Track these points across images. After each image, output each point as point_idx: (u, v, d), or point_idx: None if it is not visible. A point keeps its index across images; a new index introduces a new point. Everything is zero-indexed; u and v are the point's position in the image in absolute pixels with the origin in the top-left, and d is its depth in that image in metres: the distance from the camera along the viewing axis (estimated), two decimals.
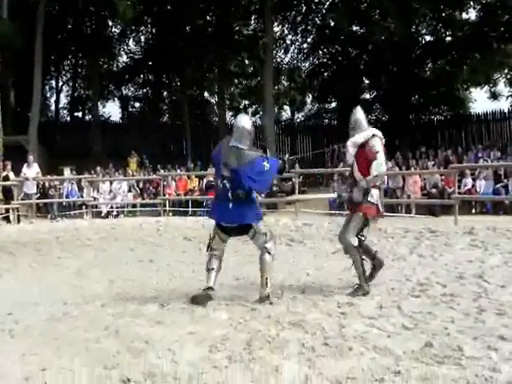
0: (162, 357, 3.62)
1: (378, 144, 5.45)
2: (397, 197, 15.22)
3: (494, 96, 27.79)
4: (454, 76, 24.45)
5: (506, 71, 26.13)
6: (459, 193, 13.37)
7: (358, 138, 5.53)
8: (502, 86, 27.04)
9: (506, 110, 23.70)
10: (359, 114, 5.67)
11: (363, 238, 5.51)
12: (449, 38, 24.44)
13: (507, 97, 25.83)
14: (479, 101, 28.63)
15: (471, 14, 23.99)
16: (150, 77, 30.07)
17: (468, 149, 18.83)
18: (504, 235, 8.83)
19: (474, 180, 14.91)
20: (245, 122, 5.31)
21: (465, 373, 3.22)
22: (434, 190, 15.00)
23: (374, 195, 5.39)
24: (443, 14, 23.43)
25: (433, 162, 16.94)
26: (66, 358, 3.63)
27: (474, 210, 14.32)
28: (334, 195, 15.30)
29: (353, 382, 3.12)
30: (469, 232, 9.22)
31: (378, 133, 5.60)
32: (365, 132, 5.52)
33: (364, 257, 5.47)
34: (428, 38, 25.27)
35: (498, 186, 14.57)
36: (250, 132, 5.26)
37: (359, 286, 5.30)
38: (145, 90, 31.26)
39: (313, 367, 3.36)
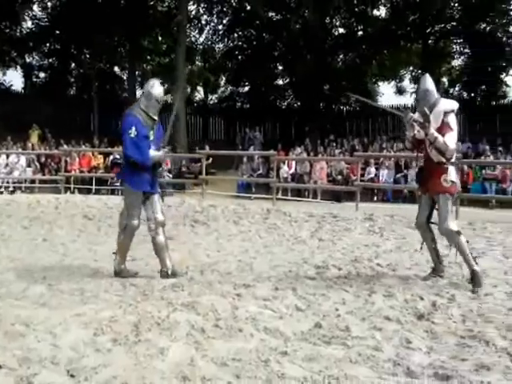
0: (42, 340, 3.43)
1: (454, 121, 4.99)
2: (304, 182, 15.53)
3: (400, 91, 29.18)
4: (363, 69, 25.31)
5: (411, 68, 27.55)
6: (362, 180, 13.85)
7: (438, 112, 4.96)
8: (407, 83, 28.46)
9: (409, 105, 24.92)
10: (427, 83, 5.05)
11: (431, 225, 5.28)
12: (360, 33, 25.20)
13: (411, 93, 27.27)
14: (386, 95, 29.94)
15: (382, 12, 24.96)
16: (57, 46, 28.43)
17: (374, 139, 19.58)
18: (400, 222, 9.25)
19: (377, 169, 15.52)
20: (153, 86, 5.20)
21: (349, 352, 3.30)
22: (339, 177, 15.45)
23: (452, 172, 5.01)
24: (356, 9, 24.11)
25: (340, 150, 17.43)
26: None
27: (375, 198, 14.92)
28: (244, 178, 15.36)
29: (238, 363, 3.08)
30: (368, 218, 9.58)
31: (455, 106, 5.09)
32: (443, 104, 5.01)
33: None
34: (341, 30, 25.93)
35: (399, 175, 15.29)
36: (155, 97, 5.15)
37: (473, 272, 4.88)
38: (51, 60, 29.53)
39: (200, 349, 3.29)
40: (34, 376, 2.91)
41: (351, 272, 5.53)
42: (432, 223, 5.26)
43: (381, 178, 15.29)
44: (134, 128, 4.95)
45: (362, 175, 14.51)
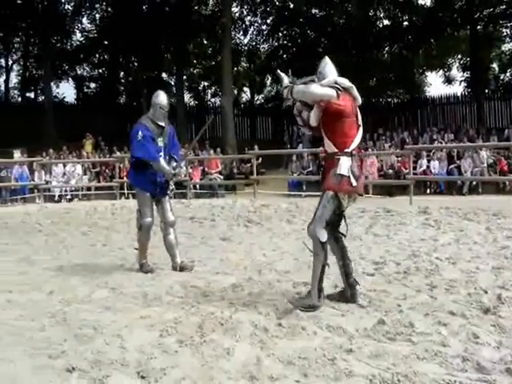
0: (110, 343, 3.50)
1: (333, 86, 4.18)
2: None
3: (449, 80, 28.39)
4: (410, 60, 24.80)
5: (459, 56, 26.77)
6: (414, 173, 13.60)
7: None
8: (455, 71, 27.67)
9: (459, 94, 24.27)
10: (321, 64, 4.40)
11: (340, 236, 4.35)
12: (406, 23, 24.71)
13: (460, 81, 26.49)
14: (434, 85, 29.23)
15: (427, 0, 24.38)
16: (106, 57, 29.29)
17: (423, 131, 19.17)
18: (456, 214, 9.03)
19: (428, 161, 15.20)
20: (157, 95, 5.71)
21: (415, 348, 3.25)
22: (390, 171, 15.21)
23: (343, 165, 4.13)
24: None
25: (389, 144, 17.16)
26: (8, 349, 3.46)
27: (428, 191, 14.63)
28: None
29: (304, 361, 3.08)
30: (423, 211, 9.40)
31: (342, 81, 4.27)
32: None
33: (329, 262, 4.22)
34: (386, 22, 25.51)
35: (451, 166, 14.95)
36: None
37: (308, 294, 4.18)
38: (100, 71, 30.45)
39: (265, 348, 3.31)
40: (107, 378, 2.98)
41: (410, 267, 5.43)
42: (340, 234, 4.39)
43: (433, 170, 14.97)
44: (140, 132, 5.47)
45: (414, 168, 14.24)
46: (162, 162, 5.58)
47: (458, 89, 26.08)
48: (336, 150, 4.16)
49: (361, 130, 4.32)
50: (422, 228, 7.96)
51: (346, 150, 4.15)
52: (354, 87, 4.32)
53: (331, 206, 4.12)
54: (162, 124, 5.65)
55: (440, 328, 3.58)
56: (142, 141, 5.45)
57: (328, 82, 4.21)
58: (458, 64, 27.43)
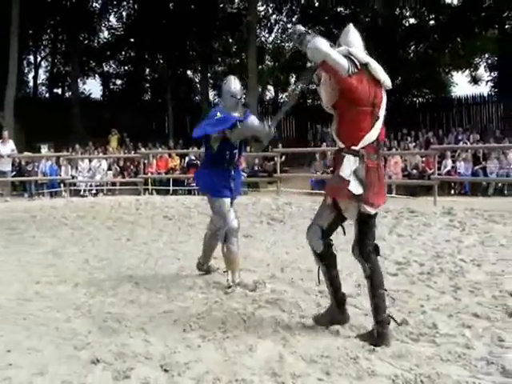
0: (134, 336, 3.57)
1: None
2: None
3: (475, 80, 27.94)
4: (436, 59, 24.50)
5: (486, 56, 26.34)
6: (439, 174, 13.46)
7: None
8: (482, 71, 27.24)
9: (485, 94, 23.90)
10: (343, 34, 3.61)
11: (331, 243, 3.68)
12: (432, 22, 24.41)
13: (487, 81, 26.08)
14: (460, 84, 28.78)
15: None
16: (132, 54, 29.57)
17: (448, 131, 18.95)
18: (481, 216, 8.90)
19: (453, 162, 15.02)
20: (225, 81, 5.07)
21: (438, 350, 3.24)
22: (414, 171, 15.06)
23: (346, 166, 3.33)
24: None
25: (414, 144, 16.99)
26: (35, 339, 3.55)
27: (452, 191, 14.47)
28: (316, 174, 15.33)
29: (327, 360, 3.09)
30: (447, 212, 9.29)
31: (356, 55, 3.38)
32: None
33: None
34: (412, 20, 25.23)
35: (477, 167, 14.75)
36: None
37: (329, 307, 3.69)
38: (126, 68, 30.77)
39: (287, 346, 3.33)
40: (131, 370, 3.03)
41: (434, 268, 5.39)
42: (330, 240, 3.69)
43: (458, 171, 14.79)
44: (212, 114, 4.76)
45: (438, 169, 14.08)
46: (252, 118, 4.59)
47: (484, 89, 25.56)
48: (342, 146, 3.40)
49: (379, 123, 3.40)
50: (446, 229, 7.88)
51: (353, 148, 3.34)
52: (373, 65, 3.35)
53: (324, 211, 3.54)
54: (236, 115, 4.77)
55: (464, 330, 3.56)
56: (214, 119, 4.62)
57: (342, 51, 3.38)
58: (485, 63, 27.01)
